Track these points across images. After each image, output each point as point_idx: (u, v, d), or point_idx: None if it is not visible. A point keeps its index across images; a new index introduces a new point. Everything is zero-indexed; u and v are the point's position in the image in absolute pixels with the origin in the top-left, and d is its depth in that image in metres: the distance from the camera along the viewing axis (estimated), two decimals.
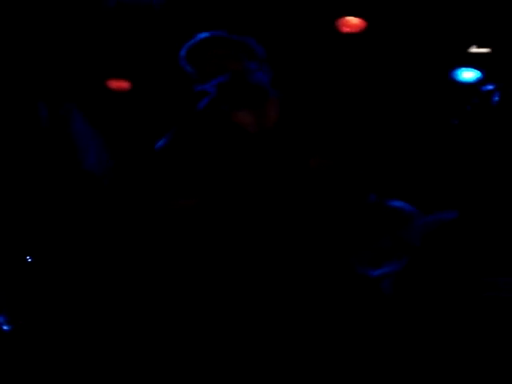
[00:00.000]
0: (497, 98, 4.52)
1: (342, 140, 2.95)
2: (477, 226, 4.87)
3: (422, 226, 3.82)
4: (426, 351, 4.44)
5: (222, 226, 2.86)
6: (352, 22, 5.14)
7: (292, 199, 2.83)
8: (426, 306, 4.57)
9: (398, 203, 4.12)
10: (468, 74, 5.32)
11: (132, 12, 4.91)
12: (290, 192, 2.83)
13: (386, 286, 3.80)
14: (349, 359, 2.99)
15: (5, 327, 4.39)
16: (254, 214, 2.83)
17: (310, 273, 2.86)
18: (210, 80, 2.86)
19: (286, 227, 2.83)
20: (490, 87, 4.54)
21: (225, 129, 2.95)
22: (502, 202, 5.01)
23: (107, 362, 4.83)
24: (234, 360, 2.79)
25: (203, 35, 2.96)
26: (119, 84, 5.59)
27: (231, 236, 2.85)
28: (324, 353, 2.84)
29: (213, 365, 2.81)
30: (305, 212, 2.86)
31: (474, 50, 5.21)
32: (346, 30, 5.16)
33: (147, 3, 4.78)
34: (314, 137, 2.90)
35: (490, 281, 4.58)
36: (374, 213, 4.01)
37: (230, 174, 2.87)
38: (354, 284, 3.61)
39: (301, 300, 2.84)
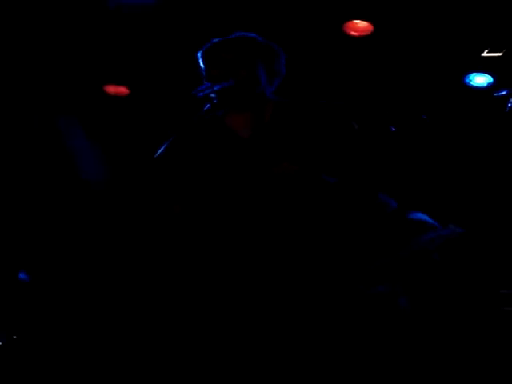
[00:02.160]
0: (510, 103, 4.43)
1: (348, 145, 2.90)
2: (492, 238, 4.83)
3: (439, 237, 3.76)
4: (441, 362, 4.38)
5: (215, 229, 2.86)
6: (359, 26, 5.06)
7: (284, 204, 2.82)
8: (442, 318, 4.53)
9: (419, 215, 4.04)
10: (480, 79, 5.25)
11: (130, 18, 4.86)
12: (281, 195, 2.82)
13: (403, 300, 3.72)
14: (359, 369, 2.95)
15: None
16: (247, 217, 2.82)
17: (312, 279, 2.82)
18: (213, 85, 2.80)
19: (282, 230, 2.82)
20: (503, 92, 4.43)
21: (218, 133, 2.93)
22: None
23: (107, 365, 4.80)
24: (234, 360, 2.76)
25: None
26: (117, 90, 5.57)
27: (224, 239, 2.85)
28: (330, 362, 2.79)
29: (213, 365, 2.79)
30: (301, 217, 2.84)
31: (486, 54, 5.13)
32: (353, 33, 5.09)
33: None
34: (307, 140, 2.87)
35: (507, 294, 4.53)
36: (395, 223, 3.95)
37: (222, 178, 2.86)
38: (364, 296, 3.55)
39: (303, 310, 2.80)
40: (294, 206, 2.83)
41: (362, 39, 5.08)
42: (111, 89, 5.55)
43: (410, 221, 3.99)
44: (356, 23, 5.05)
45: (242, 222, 2.82)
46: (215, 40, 2.92)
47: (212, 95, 2.77)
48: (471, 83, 5.27)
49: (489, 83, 5.24)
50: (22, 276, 4.72)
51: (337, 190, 2.89)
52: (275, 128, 2.89)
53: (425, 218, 4.02)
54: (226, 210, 2.84)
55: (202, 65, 2.93)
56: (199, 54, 2.93)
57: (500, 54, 5.09)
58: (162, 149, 2.94)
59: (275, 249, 2.79)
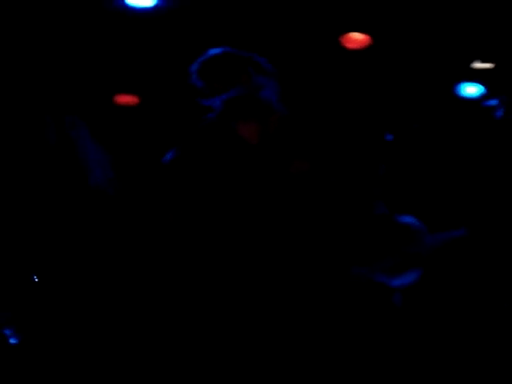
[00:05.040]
0: (500, 113, 4.53)
1: (344, 151, 3.00)
2: (484, 241, 4.87)
3: (431, 242, 3.84)
4: (433, 362, 4.43)
5: (223, 234, 2.91)
6: (356, 38, 5.17)
7: (289, 205, 2.88)
8: (434, 318, 4.57)
9: (407, 219, 4.13)
10: (471, 89, 5.37)
11: (140, 27, 4.94)
12: (287, 199, 2.88)
13: (396, 299, 3.80)
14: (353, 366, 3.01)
15: (12, 340, 4.40)
16: (256, 220, 2.88)
17: (308, 278, 2.89)
18: (218, 95, 2.90)
19: (285, 232, 2.88)
20: (494, 102, 4.54)
21: (227, 141, 2.97)
22: (508, 217, 5.02)
23: (111, 368, 4.84)
24: (234, 360, 2.81)
25: (214, 51, 3.01)
26: (127, 99, 5.65)
27: (233, 243, 2.89)
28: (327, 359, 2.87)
29: (213, 365, 2.84)
30: (303, 218, 2.91)
31: (477, 65, 5.22)
32: (350, 46, 5.19)
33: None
34: (309, 145, 2.96)
35: (496, 294, 4.58)
36: (384, 227, 4.04)
37: (231, 184, 2.91)
38: (357, 292, 3.62)
39: (301, 307, 2.87)
40: (312, 204, 2.90)
41: (358, 52, 5.21)
42: (122, 98, 5.63)
43: (399, 223, 4.09)
44: (353, 36, 5.16)
45: (261, 225, 2.87)
46: (202, 58, 3.01)
47: (218, 104, 2.86)
48: (462, 93, 5.40)
49: (480, 93, 5.36)
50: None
51: (345, 191, 3.00)
52: (282, 135, 2.95)
53: (413, 221, 4.12)
54: (242, 213, 2.88)
55: (199, 84, 3.00)
56: (193, 75, 3.01)
57: (491, 65, 5.19)
58: (168, 156, 3.00)
59: (293, 246, 2.86)
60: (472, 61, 5.20)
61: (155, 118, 5.53)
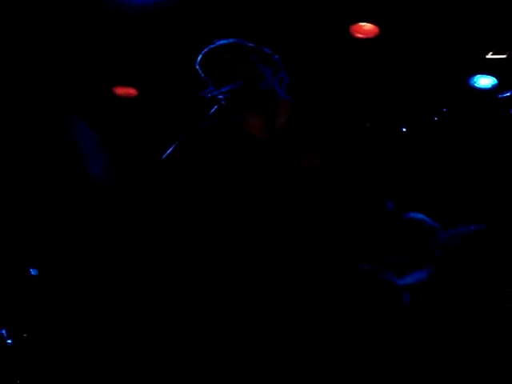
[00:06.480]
0: None
1: (353, 144, 2.94)
2: (495, 238, 4.84)
3: (442, 238, 3.80)
4: (442, 358, 4.41)
5: (225, 230, 2.87)
6: (365, 29, 5.09)
7: (296, 201, 2.82)
8: (444, 315, 4.55)
9: (417, 215, 4.11)
10: (485, 81, 5.28)
11: (138, 19, 4.90)
12: (294, 194, 2.82)
13: (406, 296, 3.77)
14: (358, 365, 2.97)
15: (8, 340, 4.37)
16: (259, 217, 2.82)
17: (312, 275, 2.82)
18: (221, 86, 2.82)
19: (290, 229, 2.81)
20: (507, 94, 4.48)
21: (232, 134, 2.94)
22: None
23: (109, 367, 4.82)
24: (234, 360, 2.77)
25: (218, 42, 2.95)
26: (126, 91, 5.61)
27: (235, 239, 2.85)
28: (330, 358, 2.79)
29: (213, 365, 2.81)
30: (309, 215, 2.84)
31: (490, 56, 5.16)
32: (359, 36, 5.13)
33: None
34: (317, 138, 2.88)
35: (508, 292, 4.56)
36: (393, 224, 4.00)
37: (236, 178, 2.86)
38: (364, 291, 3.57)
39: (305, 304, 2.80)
40: (321, 200, 2.84)
41: (367, 41, 5.12)
42: (120, 90, 5.59)
43: (409, 220, 4.06)
44: (362, 26, 5.09)
45: (268, 221, 2.82)
46: (206, 49, 2.96)
47: (219, 96, 2.78)
48: (476, 85, 5.31)
49: (493, 85, 5.28)
50: (32, 272, 4.76)
51: (354, 186, 2.92)
52: (292, 128, 2.90)
53: (423, 217, 4.10)
54: (247, 208, 2.84)
55: (203, 74, 2.96)
56: (198, 66, 2.96)
57: (504, 56, 5.12)
58: (170, 150, 2.90)
59: (300, 244, 2.81)
60: (485, 52, 5.12)
61: (156, 111, 5.53)
